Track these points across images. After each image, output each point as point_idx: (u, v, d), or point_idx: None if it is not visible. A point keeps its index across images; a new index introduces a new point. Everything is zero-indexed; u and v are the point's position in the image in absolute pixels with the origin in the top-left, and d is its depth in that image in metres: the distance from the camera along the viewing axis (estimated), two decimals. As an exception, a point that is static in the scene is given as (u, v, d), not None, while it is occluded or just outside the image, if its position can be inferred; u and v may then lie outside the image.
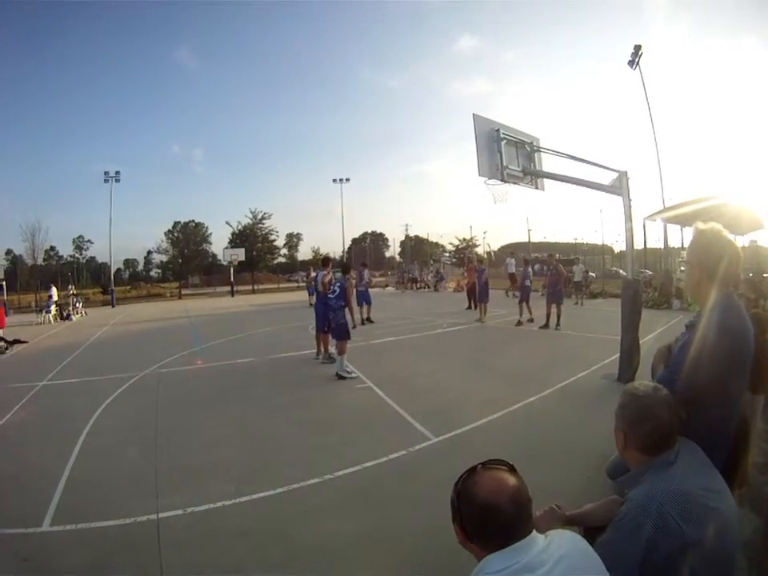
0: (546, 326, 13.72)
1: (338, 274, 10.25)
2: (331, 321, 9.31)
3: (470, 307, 19.05)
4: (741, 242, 20.53)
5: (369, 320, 16.46)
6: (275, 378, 8.97)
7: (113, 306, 34.20)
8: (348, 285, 9.41)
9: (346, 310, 9.25)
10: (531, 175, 8.99)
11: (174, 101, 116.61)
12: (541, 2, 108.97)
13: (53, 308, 23.38)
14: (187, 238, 64.77)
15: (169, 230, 64.58)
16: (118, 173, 38.75)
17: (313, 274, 17.39)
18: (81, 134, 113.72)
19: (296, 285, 26.82)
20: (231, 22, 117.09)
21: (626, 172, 7.92)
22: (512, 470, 1.56)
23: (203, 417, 6.73)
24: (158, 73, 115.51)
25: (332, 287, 9.44)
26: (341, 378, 8.56)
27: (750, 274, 16.58)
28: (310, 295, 22.23)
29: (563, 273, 14.69)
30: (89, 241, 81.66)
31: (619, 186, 7.94)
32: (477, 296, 16.97)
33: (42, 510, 4.06)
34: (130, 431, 6.22)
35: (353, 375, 8.66)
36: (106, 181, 38.46)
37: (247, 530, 3.68)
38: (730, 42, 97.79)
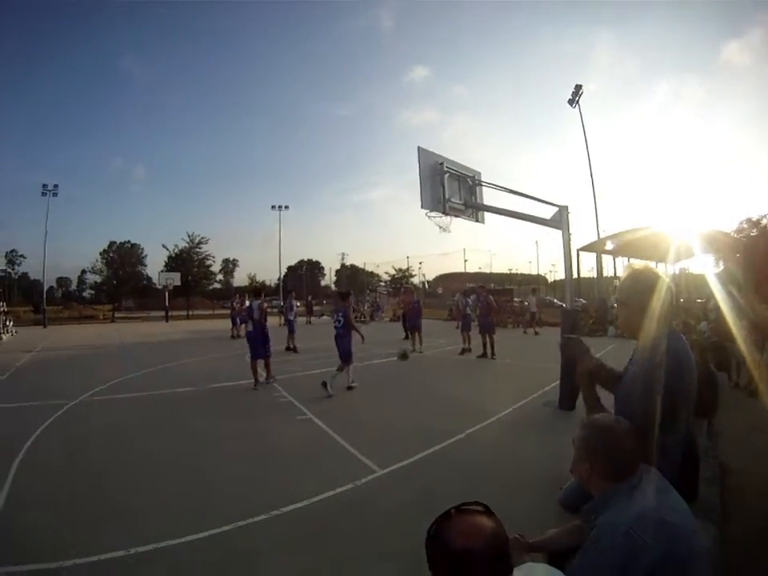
0: (484, 355, 14.06)
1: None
2: (339, 347, 10.14)
3: (406, 337, 19.04)
4: (672, 269, 21.48)
5: (293, 349, 16.83)
6: (214, 409, 8.73)
7: (44, 327, 32.88)
8: (349, 312, 10.32)
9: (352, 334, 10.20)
10: (473, 208, 9.18)
11: (120, 114, 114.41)
12: (493, 39, 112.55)
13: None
14: (122, 259, 63.46)
15: (104, 250, 63.22)
16: (56, 186, 37.91)
17: (246, 303, 17.57)
18: (17, 141, 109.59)
19: (229, 312, 26.66)
20: (183, 41, 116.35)
21: (567, 207, 8.19)
22: (488, 511, 1.55)
23: (140, 450, 6.45)
24: (104, 84, 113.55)
25: (336, 316, 10.46)
26: (350, 388, 9.83)
27: (681, 300, 17.31)
28: (235, 326, 22.26)
29: (493, 304, 15.20)
30: (21, 255, 78.25)
31: (559, 220, 8.17)
32: (409, 325, 17.34)
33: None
34: (63, 465, 5.89)
35: (330, 393, 9.33)
36: (43, 194, 37.47)
37: (193, 572, 3.55)
38: (672, 82, 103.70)
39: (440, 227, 9.05)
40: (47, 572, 3.54)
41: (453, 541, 1.44)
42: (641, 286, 2.48)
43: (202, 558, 3.74)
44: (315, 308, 40.34)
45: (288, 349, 16.68)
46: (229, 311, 24.29)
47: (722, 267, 17.26)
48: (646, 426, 2.18)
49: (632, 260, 16.61)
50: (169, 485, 5.23)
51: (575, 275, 28.81)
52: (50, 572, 3.54)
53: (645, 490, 1.92)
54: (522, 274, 46.32)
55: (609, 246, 17.69)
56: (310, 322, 31.07)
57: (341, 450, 6.27)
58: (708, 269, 16.88)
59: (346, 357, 10.03)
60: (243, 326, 21.16)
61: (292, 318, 17.65)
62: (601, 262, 26.14)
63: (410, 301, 18.33)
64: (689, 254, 14.56)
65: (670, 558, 1.74)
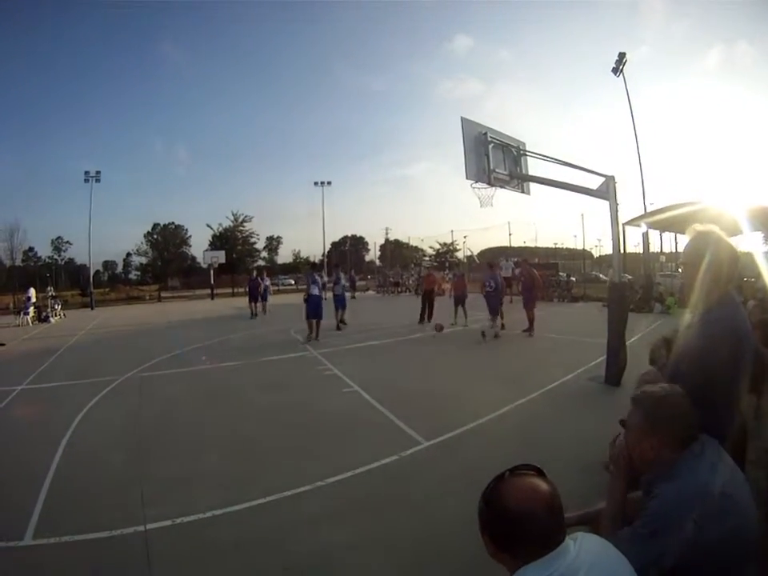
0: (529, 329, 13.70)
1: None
2: (489, 304, 13.31)
3: (422, 316, 17.08)
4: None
5: (342, 322, 15.85)
6: (260, 381, 8.84)
7: (92, 309, 33.55)
8: (499, 277, 13.78)
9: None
10: (518, 179, 9.03)
11: (158, 96, 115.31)
12: (539, 5, 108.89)
13: (31, 310, 22.93)
14: (167, 240, 64.77)
15: (148, 232, 64.55)
16: (98, 173, 37.96)
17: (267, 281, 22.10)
18: (60, 131, 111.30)
19: (276, 288, 26.58)
20: (218, 18, 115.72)
21: (613, 177, 7.94)
22: (541, 474, 1.51)
23: (188, 422, 6.61)
24: (144, 68, 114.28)
25: (489, 282, 13.50)
26: (496, 336, 12.81)
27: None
28: (256, 302, 22.10)
29: (537, 277, 14.72)
30: (67, 242, 79.20)
31: (606, 191, 7.95)
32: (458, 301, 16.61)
33: (23, 522, 3.87)
34: (112, 438, 6.05)
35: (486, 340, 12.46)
36: (86, 181, 37.68)
37: (240, 541, 3.57)
38: (724, 48, 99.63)
39: (480, 201, 8.94)
40: (98, 541, 3.62)
41: (510, 503, 1.42)
42: (706, 245, 2.35)
43: (244, 528, 3.78)
44: (359, 282, 40.31)
45: (338, 327, 15.46)
46: (275, 287, 24.13)
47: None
48: (699, 394, 2.08)
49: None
50: (215, 456, 5.33)
51: (621, 250, 28.28)
52: (100, 541, 3.62)
53: (708, 462, 1.87)
54: (567, 249, 45.50)
55: (655, 219, 17.19)
56: (354, 297, 30.95)
57: (386, 421, 6.30)
58: (756, 247, 16.20)
59: (494, 311, 13.22)
60: (264, 302, 22.44)
61: (339, 293, 16.16)
62: (647, 237, 25.41)
63: (432, 281, 17.73)
64: (738, 230, 14.02)
65: (730, 534, 1.70)
